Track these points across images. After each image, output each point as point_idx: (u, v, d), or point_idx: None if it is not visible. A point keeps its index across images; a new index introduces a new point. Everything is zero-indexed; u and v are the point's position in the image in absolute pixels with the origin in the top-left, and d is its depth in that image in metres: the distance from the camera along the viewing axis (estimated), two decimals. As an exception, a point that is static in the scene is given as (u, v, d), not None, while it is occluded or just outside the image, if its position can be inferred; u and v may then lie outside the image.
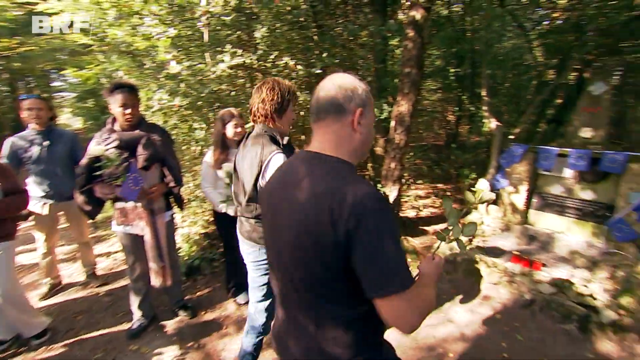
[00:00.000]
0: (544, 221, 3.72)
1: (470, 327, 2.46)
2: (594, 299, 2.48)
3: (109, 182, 2.00)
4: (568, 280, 2.70)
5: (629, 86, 6.10)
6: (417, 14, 3.20)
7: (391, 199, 3.64)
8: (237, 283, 2.82)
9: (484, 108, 4.44)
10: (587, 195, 3.51)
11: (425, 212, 4.83)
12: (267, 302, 1.66)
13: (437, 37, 4.73)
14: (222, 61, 3.13)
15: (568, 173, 3.58)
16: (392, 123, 3.55)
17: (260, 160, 1.43)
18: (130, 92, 2.11)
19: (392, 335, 2.38)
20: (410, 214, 4.70)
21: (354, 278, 0.75)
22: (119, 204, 2.22)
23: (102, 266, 3.50)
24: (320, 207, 0.74)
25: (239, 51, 3.24)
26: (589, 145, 3.51)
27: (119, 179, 2.00)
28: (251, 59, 3.22)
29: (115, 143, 2.05)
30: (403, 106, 3.42)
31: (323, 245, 0.74)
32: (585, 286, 2.64)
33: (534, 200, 3.83)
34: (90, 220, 2.41)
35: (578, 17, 5.00)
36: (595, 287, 2.62)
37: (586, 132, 3.55)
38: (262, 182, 1.44)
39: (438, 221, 4.42)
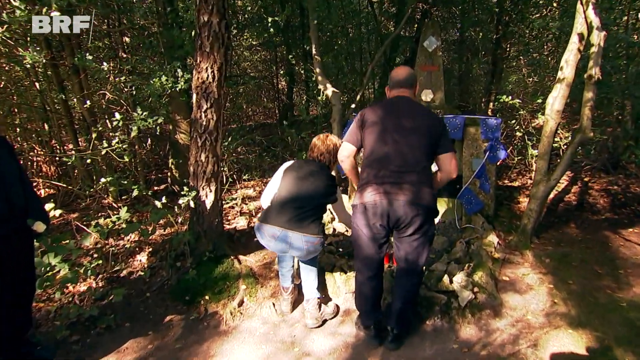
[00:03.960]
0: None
1: (334, 355, 2.90)
2: (452, 282, 3.35)
3: None
4: (429, 269, 3.55)
5: (468, 42, 8.28)
6: None
7: (207, 206, 3.80)
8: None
9: (316, 70, 5.12)
10: (436, 167, 4.61)
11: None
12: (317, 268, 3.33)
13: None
14: None
15: (415, 144, 4.60)
16: (194, 96, 3.62)
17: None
18: None
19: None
20: (240, 222, 5.00)
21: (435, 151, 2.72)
22: None
23: None
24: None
25: None
26: (432, 110, 4.61)
27: None
28: None
29: None
30: (205, 71, 3.53)
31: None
32: (445, 270, 3.52)
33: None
34: None
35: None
36: (454, 268, 3.54)
37: (427, 95, 4.67)
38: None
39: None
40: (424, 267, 2.95)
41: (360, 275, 2.86)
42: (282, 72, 7.62)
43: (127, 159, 4.12)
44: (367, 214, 2.63)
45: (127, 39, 5.35)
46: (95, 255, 3.99)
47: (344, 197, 3.67)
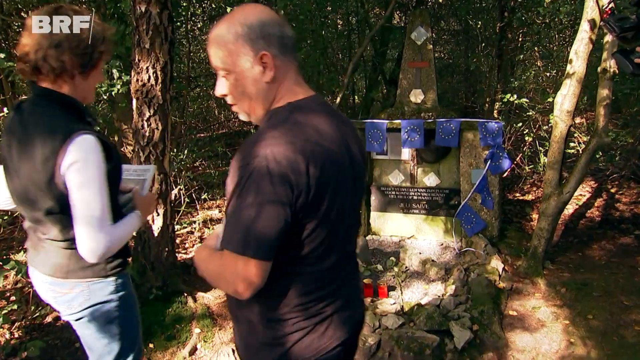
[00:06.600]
0: (389, 225, 4.70)
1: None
2: (447, 318, 3.29)
3: None
4: (418, 304, 3.51)
5: (471, 32, 8.30)
6: None
7: (155, 232, 3.74)
8: None
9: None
10: (431, 181, 4.61)
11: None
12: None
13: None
14: None
15: (406, 154, 4.59)
16: (134, 102, 3.61)
17: (52, 149, 1.51)
18: None
19: None
20: (198, 251, 4.96)
21: None
22: None
23: None
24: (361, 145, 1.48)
25: None
26: (423, 113, 4.58)
27: None
28: None
29: None
30: (146, 72, 3.51)
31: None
32: (437, 305, 3.48)
33: (372, 198, 4.72)
34: None
35: None
36: (449, 302, 3.49)
37: (417, 96, 4.64)
38: (58, 181, 1.54)
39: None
40: None
41: None
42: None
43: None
44: None
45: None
46: (13, 299, 3.87)
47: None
